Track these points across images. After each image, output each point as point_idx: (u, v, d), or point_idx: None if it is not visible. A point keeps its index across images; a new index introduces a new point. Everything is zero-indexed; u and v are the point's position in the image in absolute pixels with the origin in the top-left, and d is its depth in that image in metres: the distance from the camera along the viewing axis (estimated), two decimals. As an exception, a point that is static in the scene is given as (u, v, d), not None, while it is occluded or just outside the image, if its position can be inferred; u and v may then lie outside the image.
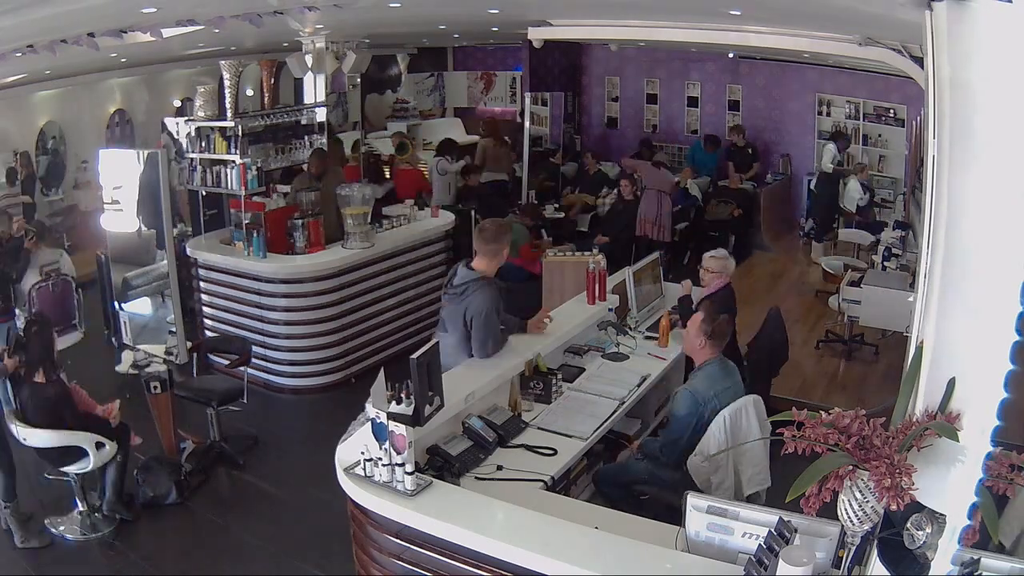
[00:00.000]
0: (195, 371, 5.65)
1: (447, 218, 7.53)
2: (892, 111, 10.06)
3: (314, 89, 8.52)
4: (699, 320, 3.76)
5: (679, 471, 3.57)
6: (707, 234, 9.81)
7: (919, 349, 2.16)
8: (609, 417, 3.87)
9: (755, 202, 10.18)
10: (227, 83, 7.73)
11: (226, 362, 5.70)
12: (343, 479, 3.02)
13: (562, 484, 3.45)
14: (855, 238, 8.50)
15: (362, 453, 2.95)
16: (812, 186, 9.98)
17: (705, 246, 9.53)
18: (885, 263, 6.57)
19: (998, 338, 1.85)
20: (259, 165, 7.41)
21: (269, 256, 6.21)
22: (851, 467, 2.06)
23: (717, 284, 4.90)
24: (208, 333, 6.60)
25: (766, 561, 2.24)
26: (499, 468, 3.33)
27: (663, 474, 3.64)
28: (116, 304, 5.93)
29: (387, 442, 2.87)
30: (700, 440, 3.54)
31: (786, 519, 2.35)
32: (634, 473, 3.75)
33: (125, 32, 4.45)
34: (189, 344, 6.04)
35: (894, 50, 4.78)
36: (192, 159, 7.50)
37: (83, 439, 4.38)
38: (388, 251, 6.70)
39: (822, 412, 2.15)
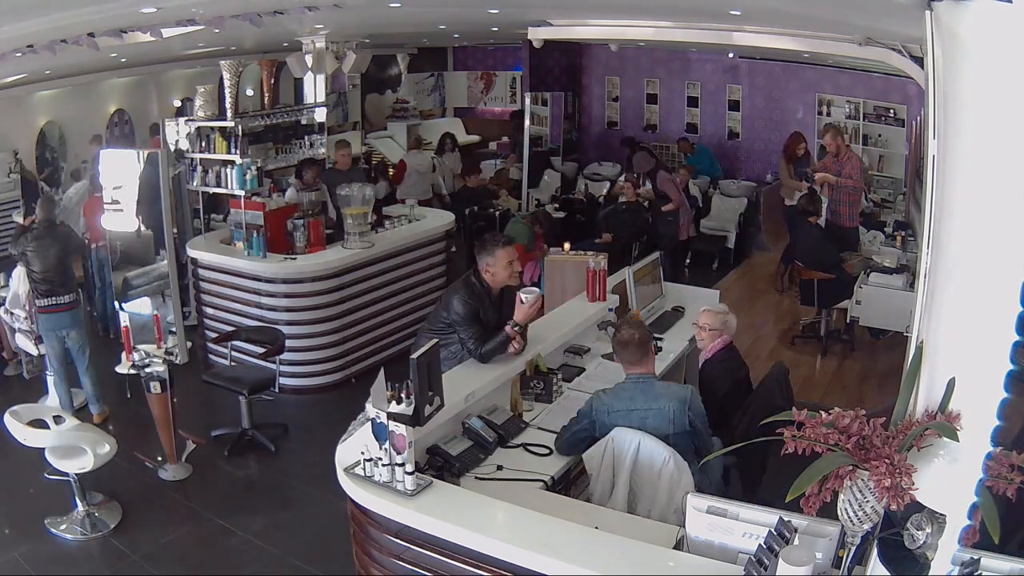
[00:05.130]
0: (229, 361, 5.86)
1: (447, 218, 7.53)
2: (892, 111, 10.05)
3: (314, 89, 8.55)
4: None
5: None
6: (706, 235, 9.82)
7: (919, 349, 2.16)
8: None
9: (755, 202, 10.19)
10: (227, 83, 7.74)
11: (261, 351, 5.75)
12: (343, 479, 3.02)
13: (562, 484, 3.45)
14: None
15: (362, 453, 2.95)
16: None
17: (704, 246, 9.67)
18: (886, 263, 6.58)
19: (998, 338, 1.86)
20: (259, 165, 7.43)
21: (269, 256, 6.22)
22: (851, 467, 2.06)
23: (716, 346, 4.16)
24: (208, 333, 6.61)
25: (766, 561, 2.24)
26: (499, 468, 3.33)
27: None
28: (116, 304, 5.94)
29: (387, 442, 2.87)
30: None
31: (786, 519, 2.35)
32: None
33: (125, 32, 4.45)
34: (214, 335, 6.22)
35: (894, 50, 4.79)
36: (192, 159, 7.53)
37: (83, 439, 4.39)
38: (388, 251, 6.70)
39: (822, 412, 2.15)
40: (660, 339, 4.83)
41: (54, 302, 5.36)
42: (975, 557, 2.03)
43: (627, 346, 3.47)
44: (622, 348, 3.49)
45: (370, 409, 2.90)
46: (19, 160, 8.69)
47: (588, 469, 3.36)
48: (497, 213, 9.42)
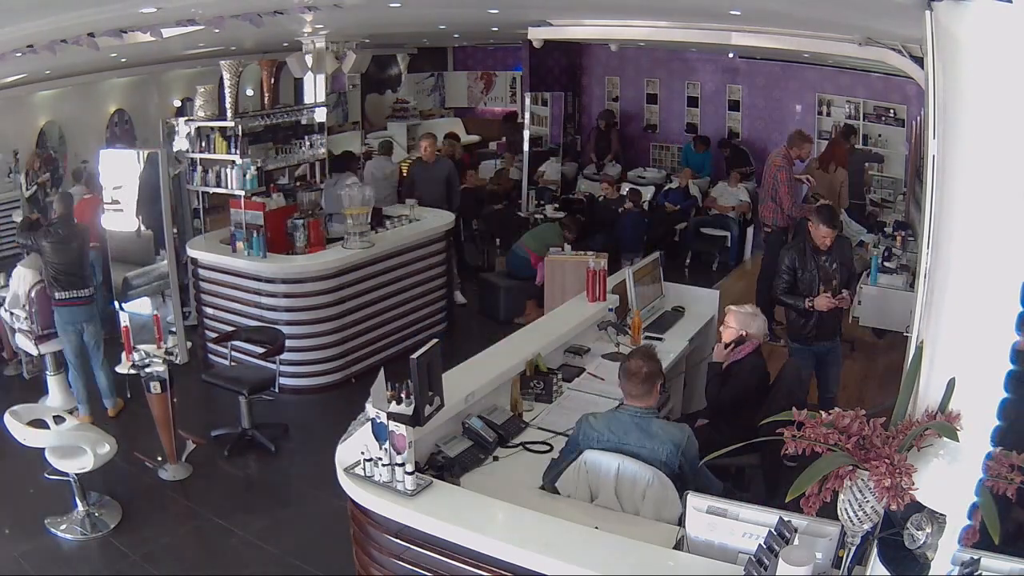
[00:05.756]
0: (229, 361, 5.87)
1: (447, 218, 7.53)
2: (892, 111, 10.06)
3: (314, 89, 8.54)
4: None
5: None
6: (706, 235, 9.82)
7: (919, 349, 2.16)
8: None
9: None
10: (227, 83, 7.73)
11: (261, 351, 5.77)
12: (343, 479, 3.02)
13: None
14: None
15: (362, 453, 2.95)
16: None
17: (704, 246, 9.68)
18: (886, 263, 6.56)
19: (998, 338, 1.86)
20: (259, 165, 7.43)
21: (269, 256, 6.22)
22: (851, 467, 2.07)
23: (744, 349, 4.15)
24: (208, 333, 6.61)
25: (766, 561, 2.23)
26: (496, 459, 3.34)
27: None
28: (116, 303, 5.94)
29: (387, 442, 2.87)
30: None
31: (786, 519, 2.35)
32: None
33: (125, 32, 4.45)
34: (214, 335, 6.23)
35: (894, 50, 4.79)
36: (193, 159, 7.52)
37: (83, 439, 4.39)
38: (388, 251, 6.69)
39: (822, 412, 2.15)
40: (661, 339, 4.85)
41: (73, 295, 5.45)
42: (975, 557, 2.03)
43: (633, 378, 3.23)
44: (628, 378, 3.26)
45: (370, 409, 2.90)
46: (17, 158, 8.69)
47: (563, 493, 3.20)
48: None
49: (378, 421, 2.87)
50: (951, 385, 1.99)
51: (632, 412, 3.23)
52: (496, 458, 3.36)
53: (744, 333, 4.16)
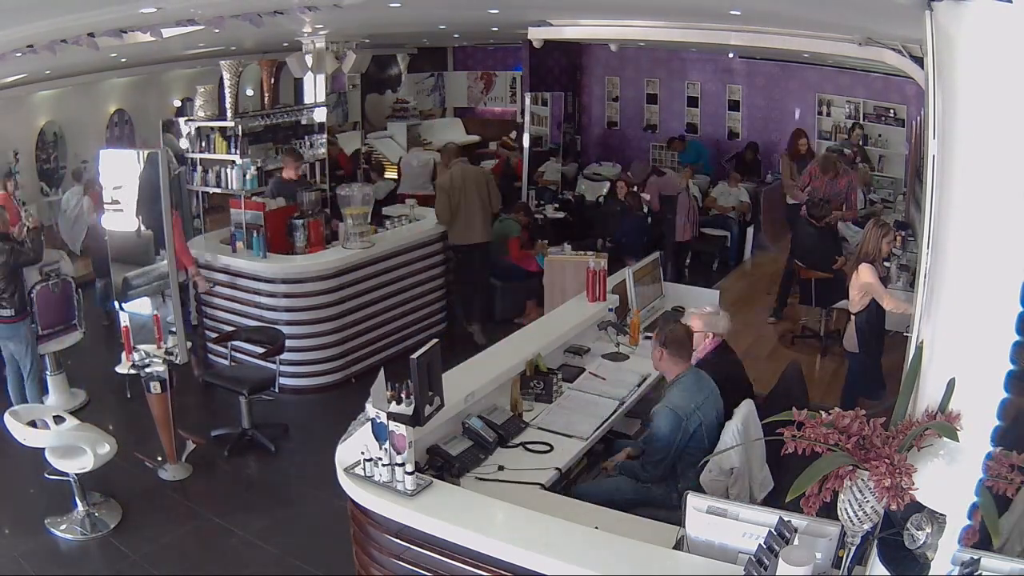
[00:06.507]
0: (229, 361, 5.89)
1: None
2: (892, 111, 10.07)
3: (314, 89, 8.56)
4: (655, 334, 3.69)
5: (667, 486, 3.49)
6: (706, 235, 9.81)
7: (919, 349, 2.16)
8: (609, 417, 3.87)
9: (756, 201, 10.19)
10: (227, 83, 7.75)
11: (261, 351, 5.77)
12: (343, 479, 3.02)
13: (562, 484, 3.45)
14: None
15: (362, 453, 2.95)
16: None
17: (704, 246, 9.67)
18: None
19: (998, 338, 1.85)
20: (259, 165, 7.44)
21: (269, 256, 6.22)
22: (851, 467, 2.07)
23: (705, 346, 4.16)
24: (208, 333, 6.61)
25: (766, 561, 2.23)
26: (500, 468, 3.34)
27: (654, 493, 3.50)
28: (116, 304, 5.93)
29: (387, 442, 2.87)
30: (704, 454, 3.37)
31: (786, 519, 2.35)
32: (618, 492, 3.52)
33: (125, 32, 4.45)
34: (214, 335, 6.26)
35: (894, 50, 4.79)
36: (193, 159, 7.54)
37: (83, 439, 4.39)
38: (388, 251, 6.69)
39: (822, 412, 2.15)
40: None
41: None
42: (975, 557, 2.03)
43: (686, 341, 3.62)
44: (683, 343, 3.60)
45: (370, 409, 2.90)
46: (18, 158, 8.67)
47: (726, 464, 3.33)
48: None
49: (378, 421, 2.87)
50: (951, 385, 1.99)
51: (693, 371, 3.63)
52: (501, 467, 3.36)
53: (713, 334, 4.13)
